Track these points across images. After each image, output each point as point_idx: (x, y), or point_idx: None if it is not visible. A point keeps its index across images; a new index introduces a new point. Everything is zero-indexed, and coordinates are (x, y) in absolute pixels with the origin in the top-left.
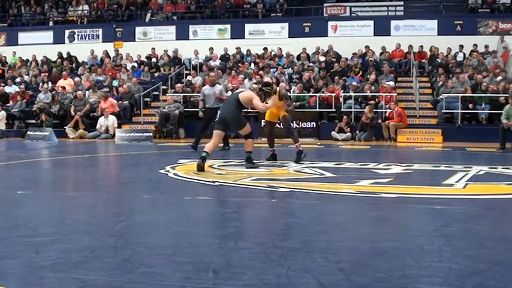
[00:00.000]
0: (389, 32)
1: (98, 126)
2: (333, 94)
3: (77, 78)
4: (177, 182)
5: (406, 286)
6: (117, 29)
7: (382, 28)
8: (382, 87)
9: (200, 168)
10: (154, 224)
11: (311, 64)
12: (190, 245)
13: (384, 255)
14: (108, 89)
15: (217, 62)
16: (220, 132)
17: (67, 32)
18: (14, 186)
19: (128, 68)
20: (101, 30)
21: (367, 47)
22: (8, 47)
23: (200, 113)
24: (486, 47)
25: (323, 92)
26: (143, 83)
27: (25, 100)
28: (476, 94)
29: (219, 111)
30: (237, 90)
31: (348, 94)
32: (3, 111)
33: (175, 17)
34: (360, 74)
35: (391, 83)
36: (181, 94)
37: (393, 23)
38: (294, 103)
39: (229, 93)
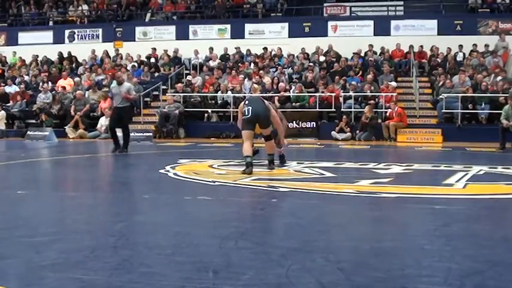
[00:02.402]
0: (389, 32)
1: (98, 126)
2: (333, 94)
3: (76, 78)
4: (177, 182)
5: (406, 286)
6: (117, 29)
7: (382, 28)
8: (383, 87)
9: (250, 173)
10: (154, 224)
11: (311, 64)
12: (190, 245)
13: (384, 255)
14: (108, 89)
15: (217, 62)
16: (251, 133)
17: (67, 32)
18: (14, 186)
19: (128, 68)
20: (100, 30)
21: (370, 45)
22: (8, 46)
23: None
24: (486, 46)
25: (323, 92)
26: (143, 83)
27: (25, 100)
28: (476, 94)
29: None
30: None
31: (348, 94)
32: (3, 111)
33: (175, 17)
34: (360, 74)
35: (394, 83)
36: (181, 94)
37: (393, 22)
38: (294, 103)
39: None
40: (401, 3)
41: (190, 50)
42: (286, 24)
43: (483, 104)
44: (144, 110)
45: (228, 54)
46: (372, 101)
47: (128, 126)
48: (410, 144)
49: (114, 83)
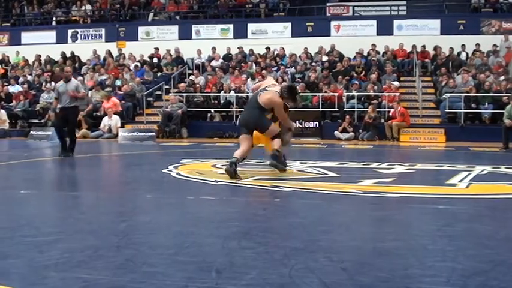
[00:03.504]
0: (392, 31)
1: (101, 125)
2: (336, 94)
3: (79, 78)
4: (180, 182)
5: (409, 286)
6: (119, 29)
7: (385, 28)
8: (386, 87)
9: (232, 175)
10: (157, 224)
11: (314, 64)
12: (193, 245)
13: (387, 255)
14: (111, 89)
15: (220, 62)
16: (248, 136)
17: (70, 32)
18: (17, 186)
19: (131, 67)
20: (103, 30)
21: (373, 45)
22: (11, 46)
23: (51, 113)
24: (495, 45)
25: (326, 92)
26: (146, 83)
27: (28, 100)
28: (479, 94)
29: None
30: (259, 90)
31: (351, 94)
32: (3, 111)
33: (178, 17)
34: (362, 74)
35: (397, 83)
36: (184, 94)
37: (396, 22)
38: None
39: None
40: (404, 3)
41: (193, 49)
42: (288, 24)
43: (486, 104)
44: (147, 110)
45: (230, 54)
46: (375, 101)
47: (73, 131)
48: (413, 144)
49: (61, 81)
